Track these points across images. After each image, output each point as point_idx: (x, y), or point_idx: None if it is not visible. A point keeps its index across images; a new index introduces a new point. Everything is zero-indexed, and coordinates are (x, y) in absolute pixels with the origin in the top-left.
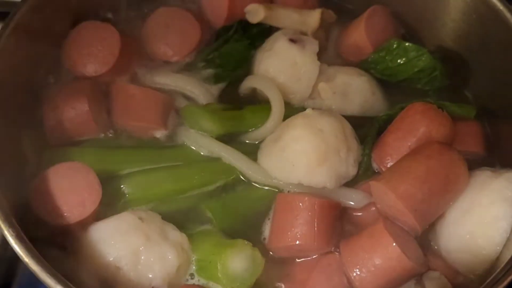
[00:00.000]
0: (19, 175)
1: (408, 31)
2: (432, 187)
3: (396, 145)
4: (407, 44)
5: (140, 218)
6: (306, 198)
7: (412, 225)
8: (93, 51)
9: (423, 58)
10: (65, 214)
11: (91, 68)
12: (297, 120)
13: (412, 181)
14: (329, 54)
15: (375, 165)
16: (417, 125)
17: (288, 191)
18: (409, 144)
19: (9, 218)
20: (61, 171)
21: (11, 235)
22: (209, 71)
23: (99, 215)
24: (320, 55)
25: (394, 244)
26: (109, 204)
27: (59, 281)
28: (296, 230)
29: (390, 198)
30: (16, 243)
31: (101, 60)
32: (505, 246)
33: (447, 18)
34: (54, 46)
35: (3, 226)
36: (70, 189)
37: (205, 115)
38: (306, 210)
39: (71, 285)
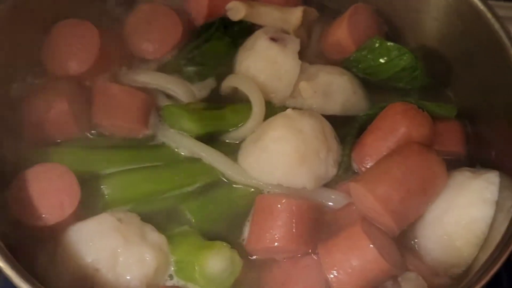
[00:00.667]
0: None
1: (391, 29)
2: (410, 188)
3: (376, 146)
4: (389, 43)
5: (119, 220)
6: (284, 200)
7: (390, 226)
8: (72, 49)
9: (405, 58)
10: (44, 215)
11: (70, 67)
12: (277, 121)
13: (390, 183)
14: (311, 52)
15: (355, 165)
16: (397, 126)
17: (268, 192)
18: (389, 144)
19: None
20: (39, 172)
21: None
22: (191, 69)
23: (78, 216)
24: (302, 54)
25: (371, 246)
26: (89, 205)
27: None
28: (275, 232)
29: (368, 199)
30: None
31: (80, 58)
32: (481, 248)
33: (429, 17)
34: (34, 44)
35: None
36: (49, 191)
37: (184, 115)
38: (285, 212)
39: None
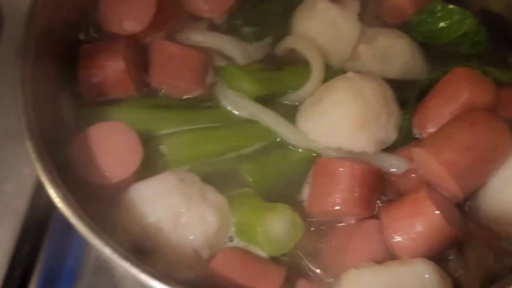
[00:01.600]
0: (58, 135)
1: None
2: (476, 155)
3: (438, 111)
4: (451, 6)
5: (181, 179)
6: (347, 163)
7: (455, 192)
8: (129, 8)
9: (467, 22)
10: (107, 174)
11: (127, 26)
12: (338, 83)
13: (455, 148)
14: (370, 15)
15: (415, 131)
16: (461, 91)
17: (327, 155)
18: (451, 110)
19: (53, 175)
20: (101, 130)
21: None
22: (247, 30)
23: (139, 175)
24: (361, 16)
25: (437, 211)
26: (148, 165)
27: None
28: (336, 195)
29: (433, 165)
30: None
31: (137, 18)
32: None
33: None
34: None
35: (48, 186)
36: (111, 149)
37: (243, 76)
38: (347, 175)
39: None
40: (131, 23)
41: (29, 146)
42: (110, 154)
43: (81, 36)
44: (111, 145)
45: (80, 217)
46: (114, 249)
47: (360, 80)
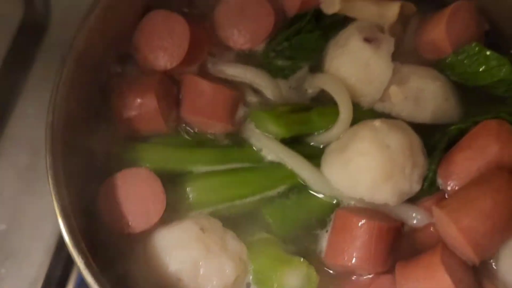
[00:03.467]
0: (88, 171)
1: (494, 28)
2: (497, 222)
3: (465, 165)
4: (488, 52)
5: (202, 229)
6: (365, 221)
7: (471, 258)
8: (163, 44)
9: (504, 70)
10: (130, 223)
11: (161, 62)
12: (364, 133)
13: (476, 215)
14: (405, 49)
15: (440, 181)
16: (490, 148)
17: (349, 204)
18: (479, 165)
19: (79, 244)
20: (127, 177)
21: (79, 261)
22: (279, 62)
23: (163, 218)
24: (395, 49)
25: (449, 281)
26: (173, 206)
27: None
28: (353, 251)
29: (452, 229)
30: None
31: (171, 54)
32: None
33: None
34: (125, 34)
35: (73, 253)
36: (135, 197)
37: (271, 120)
38: (364, 233)
39: None
40: (165, 59)
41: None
42: (134, 203)
43: (117, 69)
44: (136, 194)
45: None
46: None
47: (387, 131)
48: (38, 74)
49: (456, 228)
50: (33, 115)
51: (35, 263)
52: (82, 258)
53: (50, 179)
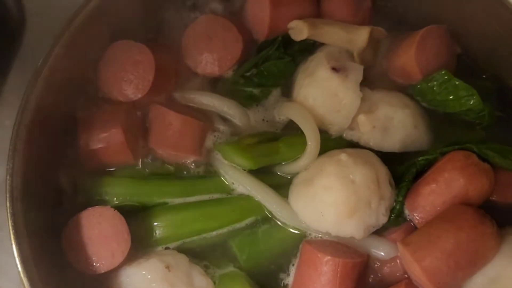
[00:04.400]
0: (54, 210)
1: (466, 52)
2: (459, 261)
3: (431, 199)
4: (457, 82)
5: (167, 267)
6: (329, 258)
7: None
8: (128, 76)
9: (473, 100)
10: (95, 263)
11: (127, 94)
12: (330, 168)
13: (439, 254)
14: (376, 73)
15: (407, 212)
16: (455, 182)
17: (316, 237)
18: (444, 200)
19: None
20: (92, 216)
21: None
22: (248, 90)
23: (129, 255)
24: (365, 74)
25: None
26: (140, 241)
27: None
28: (318, 287)
29: (415, 268)
30: None
31: (136, 86)
32: None
33: (506, 56)
34: (89, 65)
35: None
36: (100, 237)
37: (237, 153)
38: (329, 269)
39: None
40: (130, 90)
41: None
42: (98, 244)
43: (82, 102)
44: (100, 234)
45: None
46: None
47: (352, 165)
48: (14, 82)
49: (419, 267)
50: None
51: None
52: None
53: (11, 229)
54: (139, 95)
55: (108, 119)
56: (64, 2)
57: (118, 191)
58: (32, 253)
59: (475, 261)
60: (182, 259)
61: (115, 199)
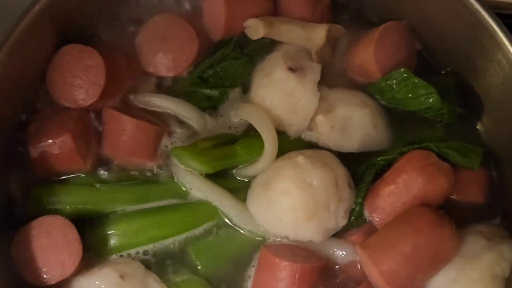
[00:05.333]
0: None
1: (426, 48)
2: (418, 264)
3: (390, 201)
4: (416, 80)
5: (121, 276)
6: (287, 263)
7: None
8: (78, 81)
9: (432, 99)
10: (45, 275)
11: (76, 99)
12: (287, 171)
13: (397, 258)
14: (335, 71)
15: (367, 213)
16: (414, 184)
17: (274, 241)
18: (403, 201)
19: None
20: (42, 226)
21: None
22: (205, 91)
23: (82, 262)
24: (324, 72)
25: None
26: (94, 249)
27: None
28: None
29: (373, 271)
30: None
31: (87, 91)
32: None
33: (466, 51)
34: (39, 72)
35: None
36: (50, 247)
37: (193, 157)
38: (287, 275)
39: None
40: (80, 96)
41: None
42: (49, 254)
43: (31, 108)
44: (51, 244)
45: None
46: None
47: (310, 168)
48: None
49: (377, 271)
50: None
51: None
52: None
53: None
54: (90, 101)
55: (57, 125)
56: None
57: (70, 199)
58: None
59: (434, 264)
60: (137, 267)
61: (68, 207)
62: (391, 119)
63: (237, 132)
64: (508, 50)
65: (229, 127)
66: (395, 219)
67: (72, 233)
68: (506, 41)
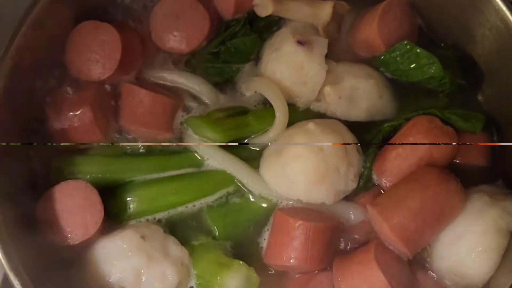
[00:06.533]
0: (28, 189)
1: (426, 23)
2: (426, 218)
3: (397, 163)
4: (418, 50)
5: (142, 237)
6: (301, 222)
7: (404, 252)
8: (95, 56)
9: (434, 68)
10: (69, 235)
11: (93, 74)
12: (299, 137)
13: (406, 213)
14: (340, 47)
15: (375, 177)
16: (419, 147)
17: (287, 205)
18: (409, 163)
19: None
20: (65, 190)
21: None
22: (216, 66)
23: (103, 228)
24: (330, 48)
25: (382, 277)
26: (114, 216)
27: None
28: (290, 251)
29: (384, 227)
30: None
31: (103, 65)
32: (493, 277)
33: (464, 22)
34: (57, 45)
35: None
36: (73, 210)
37: (206, 126)
38: (301, 233)
39: None
40: (97, 71)
41: None
42: (72, 215)
43: (52, 83)
44: (74, 206)
45: None
46: None
47: (320, 134)
48: None
49: (387, 225)
50: None
51: None
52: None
53: None
54: (107, 75)
55: (77, 99)
56: None
57: (90, 169)
58: (7, 229)
59: (441, 218)
60: (157, 229)
61: (88, 176)
62: (395, 90)
63: (248, 106)
64: (505, 14)
65: (240, 102)
66: (403, 179)
67: (93, 196)
68: (503, 6)
